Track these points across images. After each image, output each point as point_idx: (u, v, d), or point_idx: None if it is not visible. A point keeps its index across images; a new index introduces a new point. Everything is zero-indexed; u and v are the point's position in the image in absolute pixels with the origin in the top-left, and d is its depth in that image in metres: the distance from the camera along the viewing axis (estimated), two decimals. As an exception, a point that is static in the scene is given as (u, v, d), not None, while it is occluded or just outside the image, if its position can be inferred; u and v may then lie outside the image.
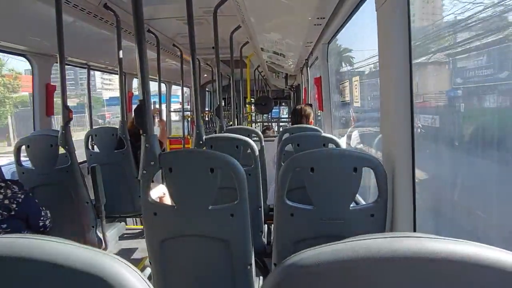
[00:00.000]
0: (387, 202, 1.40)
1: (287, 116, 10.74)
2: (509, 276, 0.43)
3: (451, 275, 0.44)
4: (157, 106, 4.21)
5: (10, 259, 0.44)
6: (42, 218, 1.94)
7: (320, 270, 0.46)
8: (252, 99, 6.01)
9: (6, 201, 1.79)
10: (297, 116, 2.92)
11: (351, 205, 1.41)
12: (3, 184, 1.81)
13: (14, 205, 1.81)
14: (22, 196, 1.84)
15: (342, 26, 2.80)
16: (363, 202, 2.24)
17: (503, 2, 1.29)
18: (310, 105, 3.20)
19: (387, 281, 0.45)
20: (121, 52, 2.91)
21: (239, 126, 3.62)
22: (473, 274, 0.44)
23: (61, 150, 2.32)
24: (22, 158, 2.38)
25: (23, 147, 2.32)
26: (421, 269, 0.44)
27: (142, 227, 1.50)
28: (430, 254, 0.44)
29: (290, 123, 3.57)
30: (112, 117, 23.74)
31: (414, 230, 1.44)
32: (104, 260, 0.45)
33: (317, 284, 0.46)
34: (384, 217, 1.39)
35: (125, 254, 3.01)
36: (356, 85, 3.02)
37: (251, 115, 7.26)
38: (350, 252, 0.46)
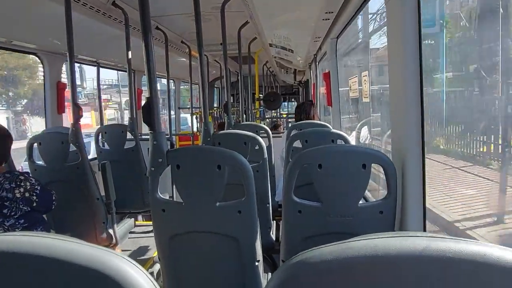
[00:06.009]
0: (397, 199, 1.38)
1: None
2: None
3: (460, 275, 0.43)
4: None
5: (19, 256, 0.45)
6: (53, 202, 2.00)
7: (327, 269, 0.46)
8: (260, 95, 5.97)
9: (27, 194, 1.81)
10: (302, 114, 2.89)
11: (360, 202, 1.40)
12: (22, 177, 1.82)
13: (34, 197, 1.84)
14: (39, 187, 1.87)
15: (351, 20, 2.76)
16: (373, 199, 2.22)
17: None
18: (311, 101, 3.17)
19: (395, 281, 0.44)
20: (130, 49, 2.93)
21: (247, 123, 3.61)
22: (483, 274, 0.43)
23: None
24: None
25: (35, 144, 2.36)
26: (429, 268, 0.44)
27: (151, 223, 1.51)
28: (438, 253, 0.43)
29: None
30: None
31: (424, 227, 1.42)
32: (110, 258, 0.45)
33: (323, 283, 0.46)
34: (393, 214, 1.38)
35: (135, 250, 3.05)
36: (365, 80, 2.98)
37: (260, 111, 7.23)
38: (358, 251, 0.45)
